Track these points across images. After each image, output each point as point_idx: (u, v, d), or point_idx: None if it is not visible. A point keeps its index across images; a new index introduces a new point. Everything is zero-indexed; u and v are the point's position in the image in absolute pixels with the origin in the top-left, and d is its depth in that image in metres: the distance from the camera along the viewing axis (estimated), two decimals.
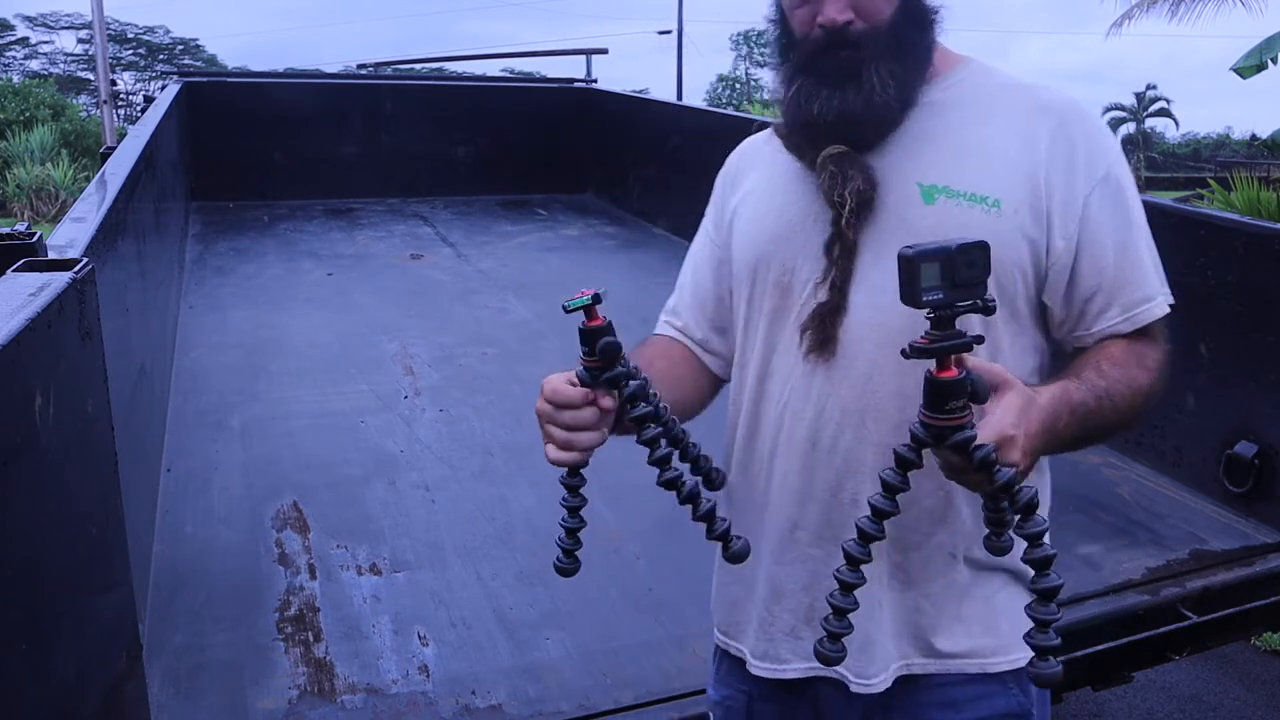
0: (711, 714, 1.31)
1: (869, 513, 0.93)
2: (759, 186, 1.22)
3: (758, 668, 1.20)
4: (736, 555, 1.03)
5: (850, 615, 0.94)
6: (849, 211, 1.09)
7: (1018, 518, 0.89)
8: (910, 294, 0.89)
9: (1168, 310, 1.12)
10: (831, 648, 0.94)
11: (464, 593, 1.93)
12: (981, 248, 0.89)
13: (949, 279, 0.88)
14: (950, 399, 0.88)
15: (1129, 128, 41.73)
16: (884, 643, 1.13)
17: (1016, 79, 1.16)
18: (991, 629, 1.12)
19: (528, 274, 4.38)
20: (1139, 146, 40.88)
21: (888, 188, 1.10)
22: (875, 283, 1.09)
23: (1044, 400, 0.97)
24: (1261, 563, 2.11)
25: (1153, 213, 1.19)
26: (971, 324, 1.04)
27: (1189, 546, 2.15)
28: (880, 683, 1.13)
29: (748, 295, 1.20)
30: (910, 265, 0.88)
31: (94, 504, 1.10)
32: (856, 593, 0.93)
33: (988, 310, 0.91)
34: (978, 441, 0.88)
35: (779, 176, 1.19)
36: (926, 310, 0.89)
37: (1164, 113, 43.36)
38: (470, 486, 2.38)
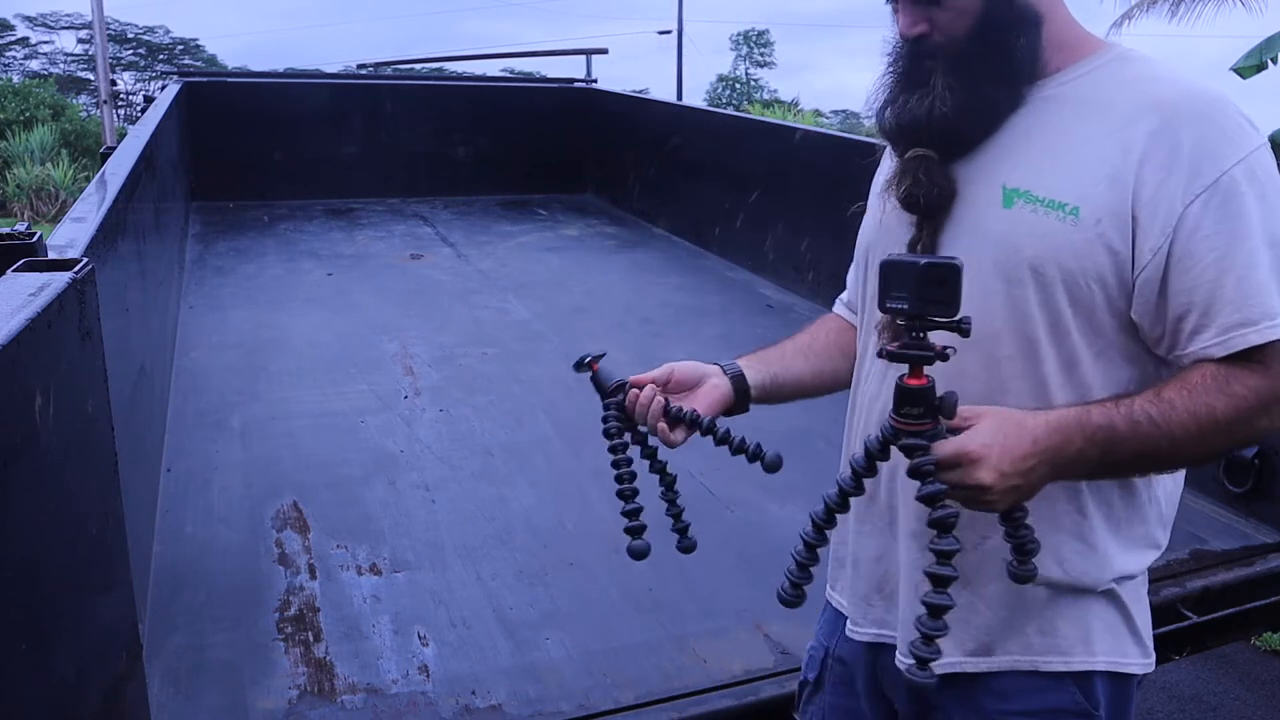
0: (806, 655, 1.40)
1: (835, 489, 1.02)
2: (884, 177, 1.26)
3: (848, 628, 1.28)
4: (636, 551, 1.20)
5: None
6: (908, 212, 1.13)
7: (934, 532, 0.96)
8: (879, 297, 0.97)
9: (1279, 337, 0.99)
10: (791, 593, 1.04)
11: (464, 593, 1.93)
12: (952, 269, 0.94)
13: (915, 292, 0.94)
14: (906, 405, 0.95)
15: None
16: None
17: (1154, 72, 1.07)
18: (1048, 631, 1.12)
19: (528, 274, 4.38)
20: None
21: (975, 189, 1.10)
22: None
23: (1040, 423, 0.98)
24: (1261, 563, 2.11)
25: None
26: (1036, 337, 1.07)
27: (1189, 546, 2.15)
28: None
29: (863, 277, 1.27)
30: (880, 271, 0.97)
31: (94, 504, 1.11)
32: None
33: (961, 332, 0.95)
34: (932, 454, 0.94)
35: (892, 170, 1.21)
36: (897, 318, 0.96)
37: None
38: (470, 486, 2.38)
